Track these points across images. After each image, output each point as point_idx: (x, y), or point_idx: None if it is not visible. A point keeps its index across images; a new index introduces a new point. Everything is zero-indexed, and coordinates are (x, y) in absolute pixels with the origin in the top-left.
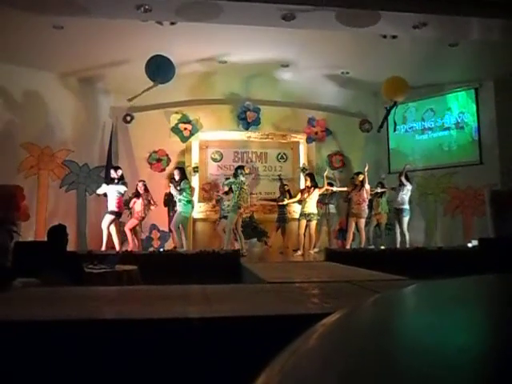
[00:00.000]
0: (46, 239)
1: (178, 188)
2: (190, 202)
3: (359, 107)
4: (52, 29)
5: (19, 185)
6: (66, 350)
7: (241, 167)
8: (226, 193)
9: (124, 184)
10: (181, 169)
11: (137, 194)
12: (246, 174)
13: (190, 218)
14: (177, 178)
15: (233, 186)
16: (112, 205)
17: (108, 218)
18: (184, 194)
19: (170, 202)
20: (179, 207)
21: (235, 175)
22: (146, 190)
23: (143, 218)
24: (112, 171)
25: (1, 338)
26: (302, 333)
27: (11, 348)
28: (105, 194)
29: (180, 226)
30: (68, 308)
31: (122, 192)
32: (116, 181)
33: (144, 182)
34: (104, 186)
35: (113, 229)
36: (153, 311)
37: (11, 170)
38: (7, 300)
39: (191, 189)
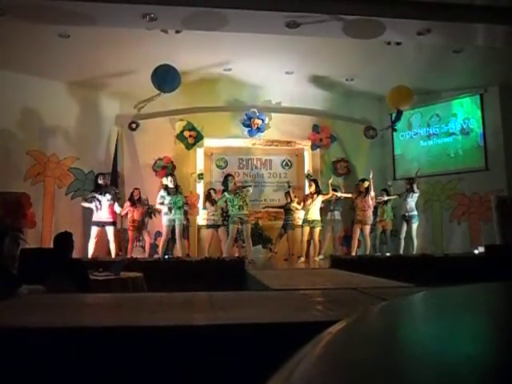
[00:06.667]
0: (52, 246)
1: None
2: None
3: (364, 114)
4: (58, 37)
5: (25, 192)
6: (70, 358)
7: (229, 175)
8: (212, 203)
9: (110, 191)
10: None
11: (133, 203)
12: (234, 182)
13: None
14: (172, 184)
15: (218, 201)
16: (107, 214)
17: (111, 229)
18: (179, 200)
19: None
20: (180, 215)
21: (224, 185)
22: (140, 198)
23: (144, 226)
24: (100, 179)
25: (6, 345)
26: (307, 340)
27: (15, 355)
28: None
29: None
30: (73, 315)
31: (110, 198)
32: (103, 189)
33: (138, 189)
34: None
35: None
36: (158, 318)
37: (17, 177)
38: (12, 307)
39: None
